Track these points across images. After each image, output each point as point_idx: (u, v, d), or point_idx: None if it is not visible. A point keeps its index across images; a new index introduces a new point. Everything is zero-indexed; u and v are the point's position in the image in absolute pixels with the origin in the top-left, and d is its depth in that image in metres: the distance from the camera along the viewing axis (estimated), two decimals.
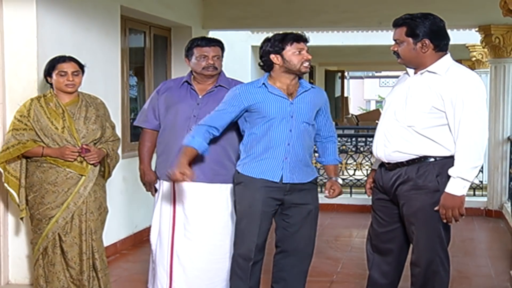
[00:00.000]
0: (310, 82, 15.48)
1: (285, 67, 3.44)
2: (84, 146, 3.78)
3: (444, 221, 3.17)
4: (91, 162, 3.81)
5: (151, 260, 4.15)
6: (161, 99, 3.96)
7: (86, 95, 3.99)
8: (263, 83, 3.48)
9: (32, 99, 3.88)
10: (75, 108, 3.86)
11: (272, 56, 3.44)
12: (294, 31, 3.53)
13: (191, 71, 3.97)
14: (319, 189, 3.79)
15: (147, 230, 5.95)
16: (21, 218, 3.96)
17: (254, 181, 3.45)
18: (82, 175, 3.81)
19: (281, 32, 3.52)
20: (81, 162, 3.80)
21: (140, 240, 5.92)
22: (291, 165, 3.46)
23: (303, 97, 3.51)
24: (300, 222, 3.53)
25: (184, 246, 3.91)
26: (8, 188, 3.85)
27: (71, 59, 3.88)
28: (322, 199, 3.75)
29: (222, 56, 3.94)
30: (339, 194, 3.72)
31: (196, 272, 3.91)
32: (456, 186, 3.11)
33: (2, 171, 3.85)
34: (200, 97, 3.89)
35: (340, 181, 3.80)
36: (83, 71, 3.93)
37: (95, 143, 3.89)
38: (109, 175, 4.08)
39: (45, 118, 3.78)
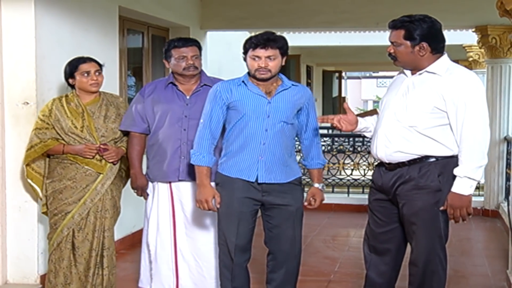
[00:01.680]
0: (308, 83, 15.27)
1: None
2: (102, 146, 3.82)
3: (452, 221, 3.20)
4: (110, 161, 3.86)
5: (146, 260, 4.16)
6: (147, 102, 3.93)
7: (108, 94, 4.05)
8: (243, 81, 3.45)
9: (54, 99, 3.96)
10: (96, 107, 3.91)
11: (243, 57, 3.47)
12: (288, 32, 3.52)
13: (172, 73, 3.97)
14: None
15: None
16: (43, 212, 4.08)
17: (231, 181, 3.42)
18: (100, 173, 3.85)
19: (281, 33, 3.50)
20: (100, 160, 3.86)
21: (138, 240, 5.87)
22: (267, 164, 3.40)
23: (282, 96, 3.44)
24: (282, 224, 3.48)
25: (187, 245, 3.94)
26: (32, 184, 3.98)
27: (91, 59, 3.94)
28: None
29: (200, 55, 3.95)
30: (320, 203, 3.62)
31: (200, 270, 3.95)
32: (463, 186, 3.13)
33: (25, 167, 3.96)
34: (187, 97, 3.91)
35: (323, 185, 3.67)
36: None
37: (115, 142, 3.93)
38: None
39: (66, 117, 3.84)
